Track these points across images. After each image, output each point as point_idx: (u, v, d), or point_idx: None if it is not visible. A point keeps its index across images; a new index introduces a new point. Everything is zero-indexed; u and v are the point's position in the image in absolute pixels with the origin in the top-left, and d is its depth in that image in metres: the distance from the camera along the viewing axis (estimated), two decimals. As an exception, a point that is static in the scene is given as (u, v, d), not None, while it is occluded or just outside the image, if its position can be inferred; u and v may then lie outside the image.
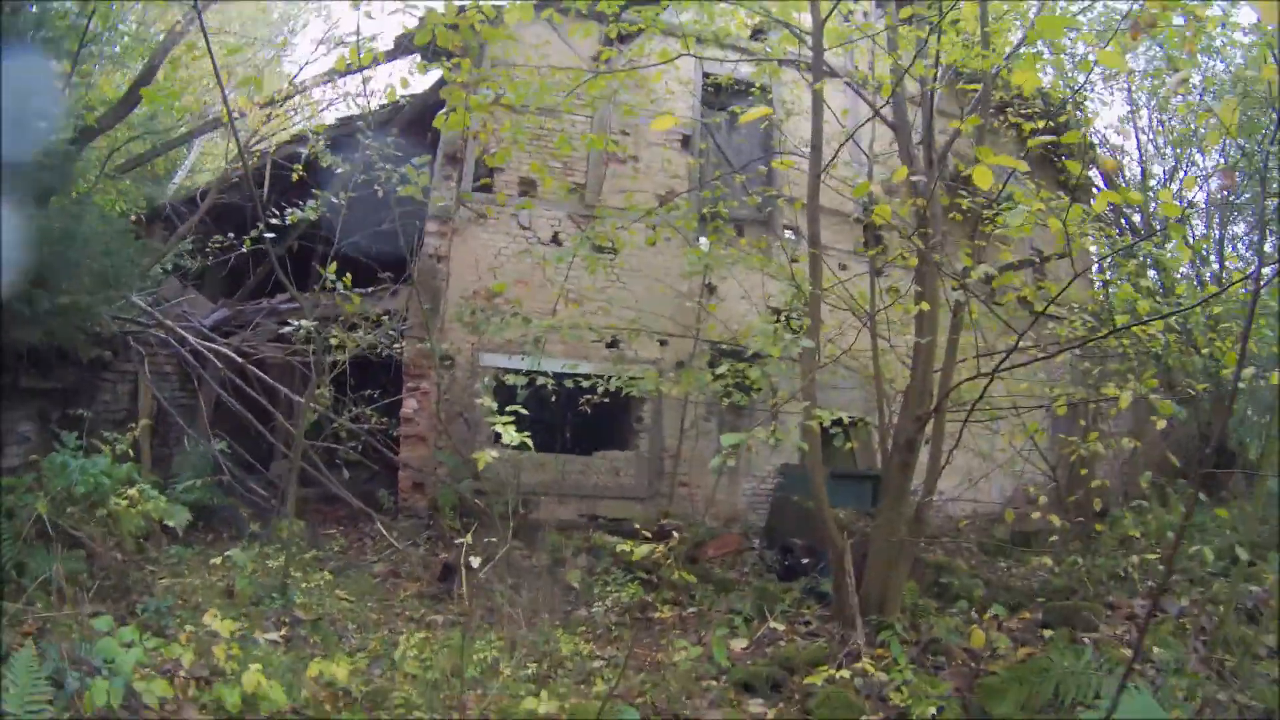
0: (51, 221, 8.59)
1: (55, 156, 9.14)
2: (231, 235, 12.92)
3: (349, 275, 9.67)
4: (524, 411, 7.30)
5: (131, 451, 10.03)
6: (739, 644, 9.22)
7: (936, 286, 9.37)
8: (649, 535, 13.04)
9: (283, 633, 8.59)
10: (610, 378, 11.63)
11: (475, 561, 7.56)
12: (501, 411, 6.93)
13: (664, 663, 8.63)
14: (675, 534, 13.31)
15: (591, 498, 14.37)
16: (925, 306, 9.12)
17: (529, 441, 6.78)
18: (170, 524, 10.05)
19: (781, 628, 9.48)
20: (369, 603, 10.19)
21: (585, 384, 11.95)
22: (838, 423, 14.85)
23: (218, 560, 9.69)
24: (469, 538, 7.16)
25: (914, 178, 9.12)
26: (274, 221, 9.76)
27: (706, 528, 13.92)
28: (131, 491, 8.86)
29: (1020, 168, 5.70)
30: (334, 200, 9.97)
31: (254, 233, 9.76)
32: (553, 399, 11.82)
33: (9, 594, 7.41)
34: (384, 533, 12.18)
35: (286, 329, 9.80)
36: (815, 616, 9.96)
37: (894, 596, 9.21)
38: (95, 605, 7.85)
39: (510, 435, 6.68)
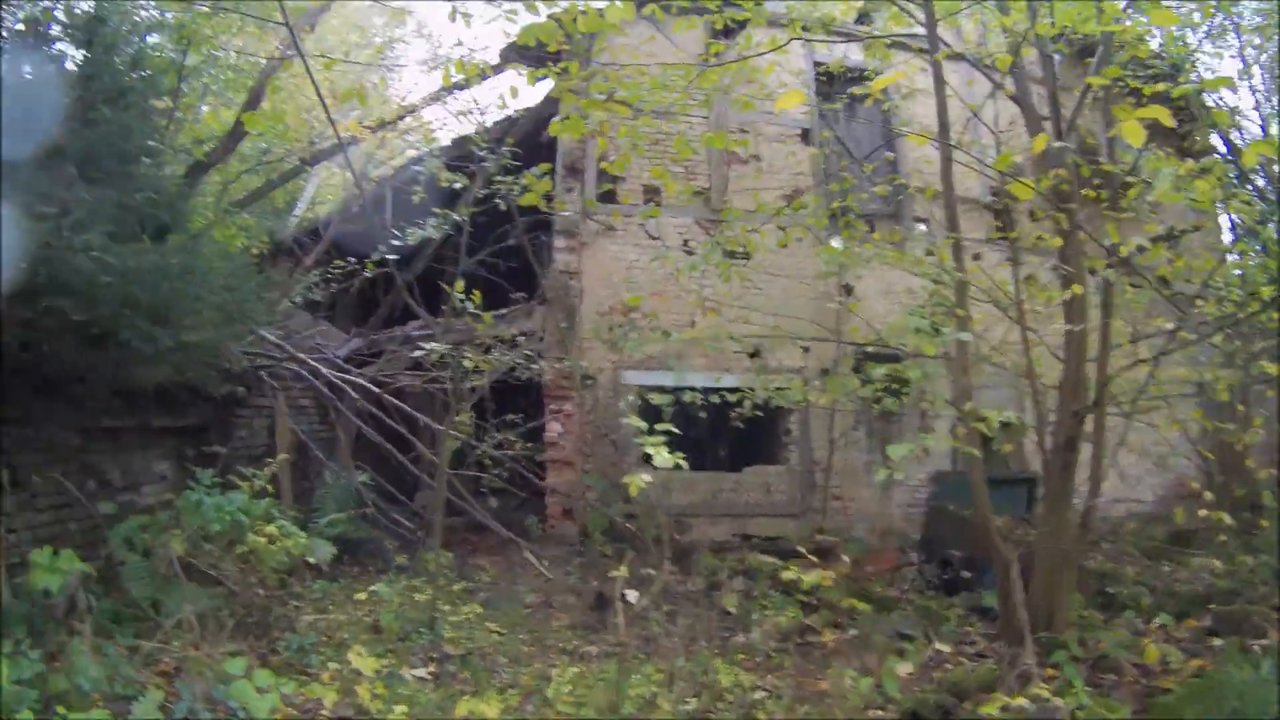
0: (169, 259, 8.31)
1: (167, 194, 8.93)
2: (355, 262, 12.68)
3: (478, 294, 9.20)
4: (675, 431, 6.87)
5: (271, 487, 9.77)
6: (904, 668, 8.44)
7: (1083, 267, 8.43)
8: (806, 554, 12.47)
9: (431, 669, 8.14)
10: (756, 390, 10.87)
11: (633, 596, 7.05)
12: (650, 431, 6.56)
13: (829, 692, 7.88)
14: (838, 554, 12.74)
15: (743, 516, 13.70)
16: (1077, 290, 8.17)
17: (683, 462, 6.43)
18: (313, 560, 9.77)
19: (947, 649, 8.69)
20: (520, 635, 9.68)
21: (731, 397, 11.25)
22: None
23: (363, 595, 9.34)
24: (624, 569, 6.60)
25: (1055, 144, 8.16)
26: (396, 243, 9.36)
27: (861, 543, 13.24)
28: (270, 528, 8.55)
29: (1164, 119, 4.88)
30: (456, 218, 9.52)
31: (376, 256, 9.38)
32: (701, 415, 11.16)
33: (144, 632, 7.14)
34: (534, 561, 11.69)
35: (419, 353, 9.37)
36: (980, 635, 9.18)
37: (1061, 610, 8.33)
38: (235, 643, 7.52)
39: (662, 457, 6.35)
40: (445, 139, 14.84)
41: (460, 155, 12.58)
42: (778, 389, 11.11)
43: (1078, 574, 8.80)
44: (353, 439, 12.51)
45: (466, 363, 9.92)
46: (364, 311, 16.53)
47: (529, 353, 11.67)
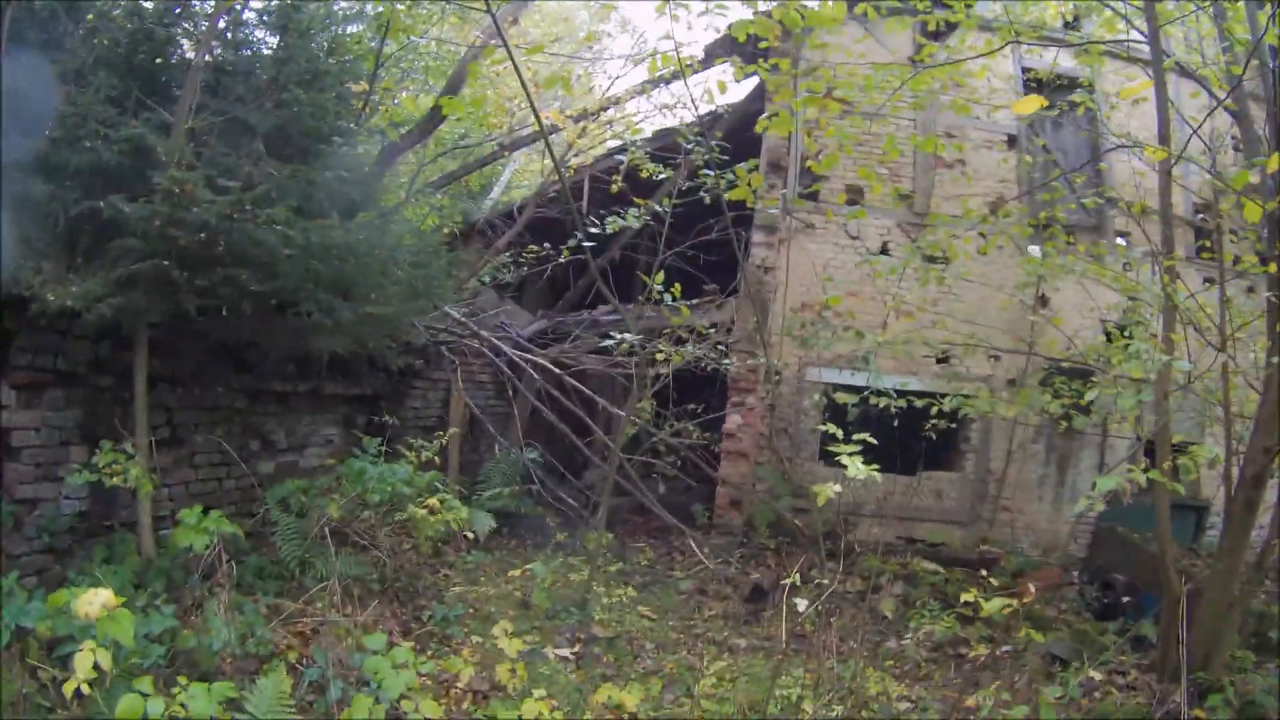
0: (355, 235, 8.59)
1: (358, 172, 9.24)
2: (548, 246, 12.84)
3: (677, 286, 9.15)
4: (871, 440, 6.93)
5: (438, 459, 10.02)
6: (1053, 692, 7.95)
7: None
8: (973, 564, 11.98)
9: (575, 649, 8.18)
10: (945, 396, 10.44)
11: (801, 604, 6.90)
12: (846, 439, 6.59)
13: (974, 710, 7.50)
14: (1000, 565, 12.18)
15: (911, 520, 13.29)
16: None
17: (876, 474, 6.38)
18: (471, 533, 9.99)
19: (1099, 677, 8.08)
20: (670, 621, 9.64)
21: (918, 403, 10.87)
22: (1175, 449, 13.15)
23: (517, 571, 9.47)
24: (794, 575, 6.48)
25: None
26: (594, 230, 9.41)
27: (1025, 557, 12.74)
28: (432, 500, 8.76)
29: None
30: (658, 208, 9.49)
31: (572, 242, 9.45)
32: (894, 421, 10.81)
33: (289, 592, 7.39)
34: (694, 548, 11.62)
35: (608, 342, 9.40)
36: (1134, 666, 8.52)
37: (1221, 653, 7.67)
38: (380, 609, 7.73)
39: (856, 467, 6.33)
40: (647, 132, 14.92)
41: (663, 147, 12.61)
42: (965, 397, 10.61)
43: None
44: (527, 417, 12.72)
45: (658, 354, 9.89)
46: (553, 295, 16.79)
47: (720, 346, 11.59)
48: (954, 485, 13.42)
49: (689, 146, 9.19)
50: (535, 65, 13.25)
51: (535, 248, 12.92)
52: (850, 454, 6.32)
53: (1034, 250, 12.73)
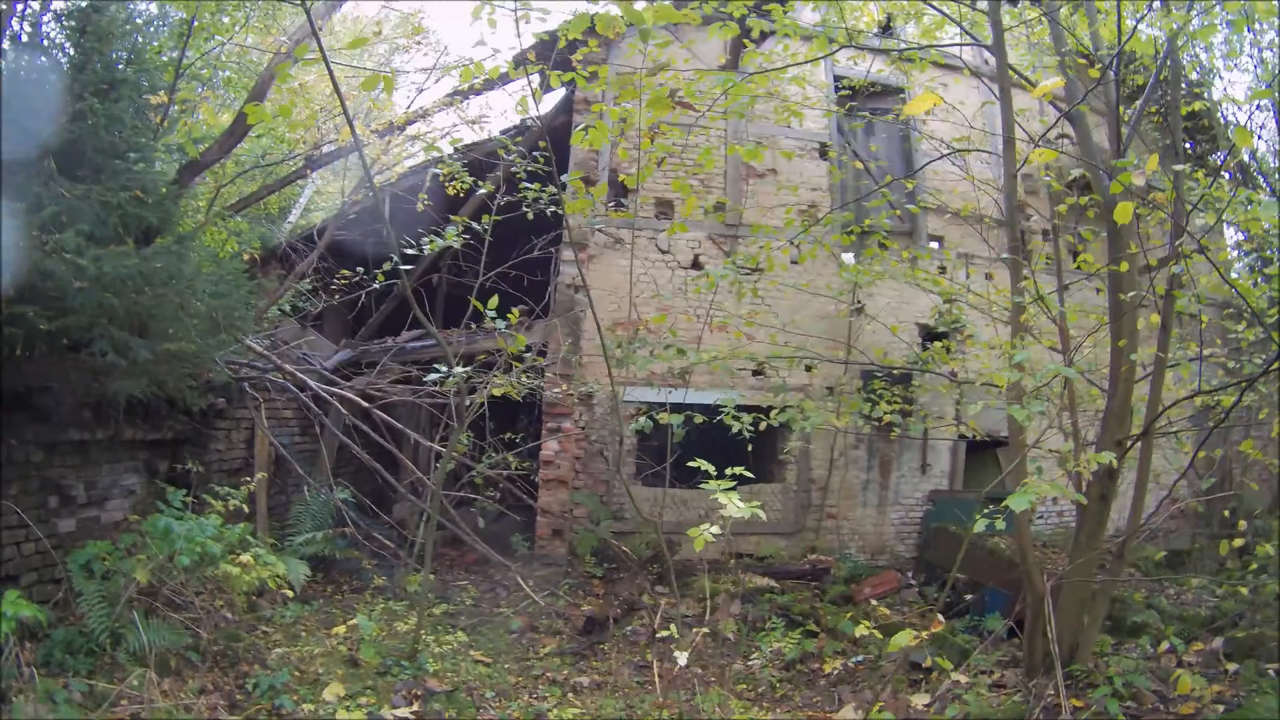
0: (152, 263, 7.67)
1: (156, 193, 8.28)
2: (360, 270, 11.96)
3: (514, 312, 8.54)
4: (749, 475, 7.01)
5: (246, 507, 9.14)
6: (919, 699, 7.90)
7: (1135, 287, 8.03)
8: (804, 574, 11.92)
9: (414, 708, 7.55)
10: (770, 410, 10.28)
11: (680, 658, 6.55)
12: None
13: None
14: (833, 574, 12.22)
15: (737, 535, 13.11)
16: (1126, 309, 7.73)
17: (760, 512, 6.21)
18: (286, 582, 9.19)
19: (964, 679, 8.04)
20: (506, 664, 9.10)
21: (745, 419, 10.68)
22: (992, 444, 13.65)
23: (340, 629, 8.73)
24: (661, 603, 6.11)
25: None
26: (410, 252, 8.73)
27: (856, 562, 12.90)
28: (245, 557, 7.94)
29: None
30: (477, 226, 8.89)
31: (388, 265, 8.72)
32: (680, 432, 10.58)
33: (102, 669, 6.50)
34: (520, 583, 11.10)
35: (433, 375, 8.68)
36: (994, 664, 8.59)
37: (1087, 642, 7.90)
38: (202, 680, 6.89)
39: (735, 507, 6.18)
40: (449, 148, 14.29)
41: (470, 163, 12.03)
42: (786, 408, 10.47)
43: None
44: (335, 453, 11.86)
45: (495, 388, 9.36)
46: (355, 323, 15.86)
47: (534, 369, 11.12)
48: (777, 496, 13.43)
49: (510, 157, 8.64)
50: (344, 72, 12.46)
51: (347, 272, 12.01)
52: (727, 492, 6.00)
53: (848, 258, 12.95)
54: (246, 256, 12.05)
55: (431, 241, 8.54)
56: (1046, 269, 12.17)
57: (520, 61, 10.93)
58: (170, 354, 8.08)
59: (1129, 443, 7.76)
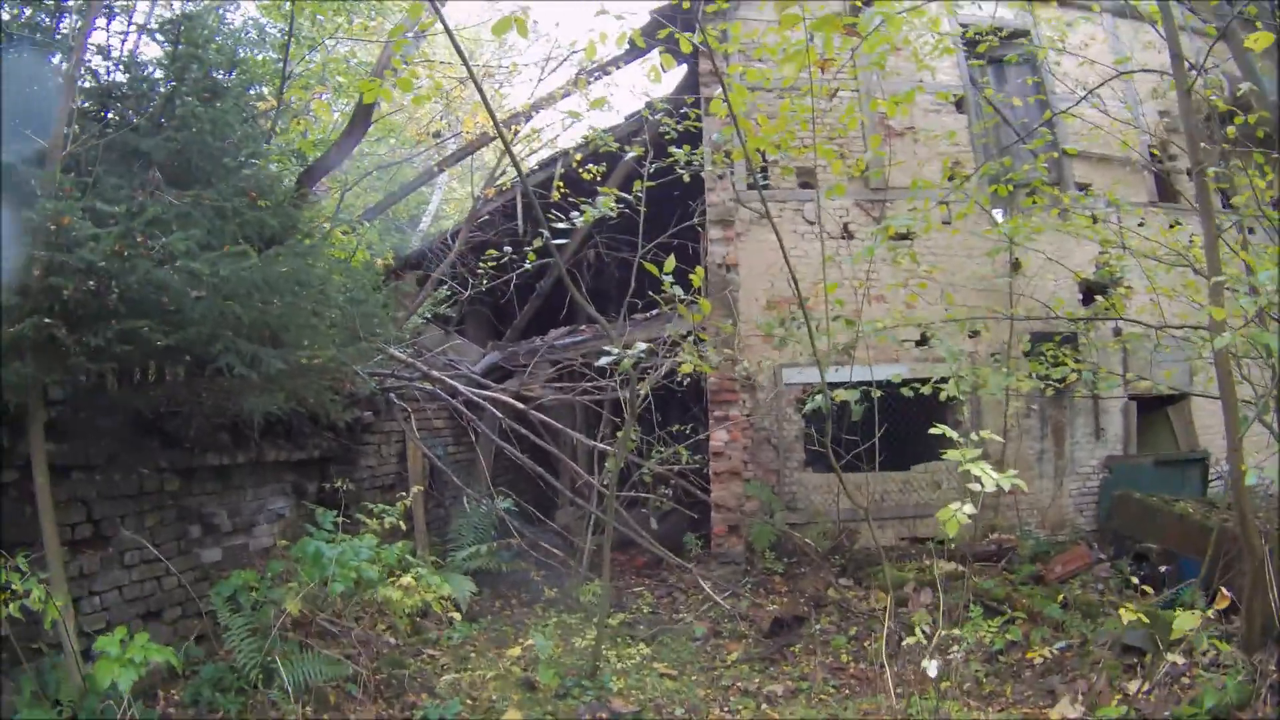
0: (276, 269, 6.99)
1: (274, 198, 7.64)
2: (508, 250, 11.15)
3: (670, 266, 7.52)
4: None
5: (403, 524, 8.44)
6: (1133, 685, 6.77)
7: None
8: (989, 555, 10.72)
9: (601, 734, 6.68)
10: (946, 379, 9.20)
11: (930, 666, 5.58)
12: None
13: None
14: (1018, 553, 10.96)
15: (912, 518, 12.19)
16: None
17: (1020, 482, 5.54)
18: (452, 603, 8.46)
19: (1181, 661, 6.79)
20: (693, 675, 8.17)
21: (923, 389, 9.58)
22: (1160, 401, 12.62)
23: (514, 650, 7.92)
24: (888, 618, 5.19)
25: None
26: (561, 226, 7.89)
27: (1039, 540, 11.64)
28: (406, 578, 7.21)
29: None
30: (627, 197, 8.01)
31: (538, 242, 7.86)
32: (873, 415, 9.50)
33: (254, 706, 5.80)
34: (701, 584, 10.17)
35: (604, 360, 7.81)
36: (1208, 640, 7.30)
37: None
38: (364, 714, 6.14)
39: (989, 478, 5.49)
40: (577, 137, 13.54)
41: (598, 151, 11.27)
42: (961, 377, 9.34)
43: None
44: (491, 460, 11.11)
45: (681, 362, 8.43)
46: (498, 326, 15.22)
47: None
48: (952, 473, 12.18)
49: (656, 116, 7.68)
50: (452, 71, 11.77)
51: (494, 251, 11.21)
52: (979, 464, 5.03)
53: (998, 215, 11.77)
54: (379, 261, 11.41)
55: (585, 213, 7.67)
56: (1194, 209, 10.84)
57: (649, 34, 10.08)
58: (305, 365, 7.41)
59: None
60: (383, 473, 10.01)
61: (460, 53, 5.88)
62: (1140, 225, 12.12)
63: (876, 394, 9.47)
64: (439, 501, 11.01)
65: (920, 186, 9.59)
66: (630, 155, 8.11)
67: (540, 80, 31.78)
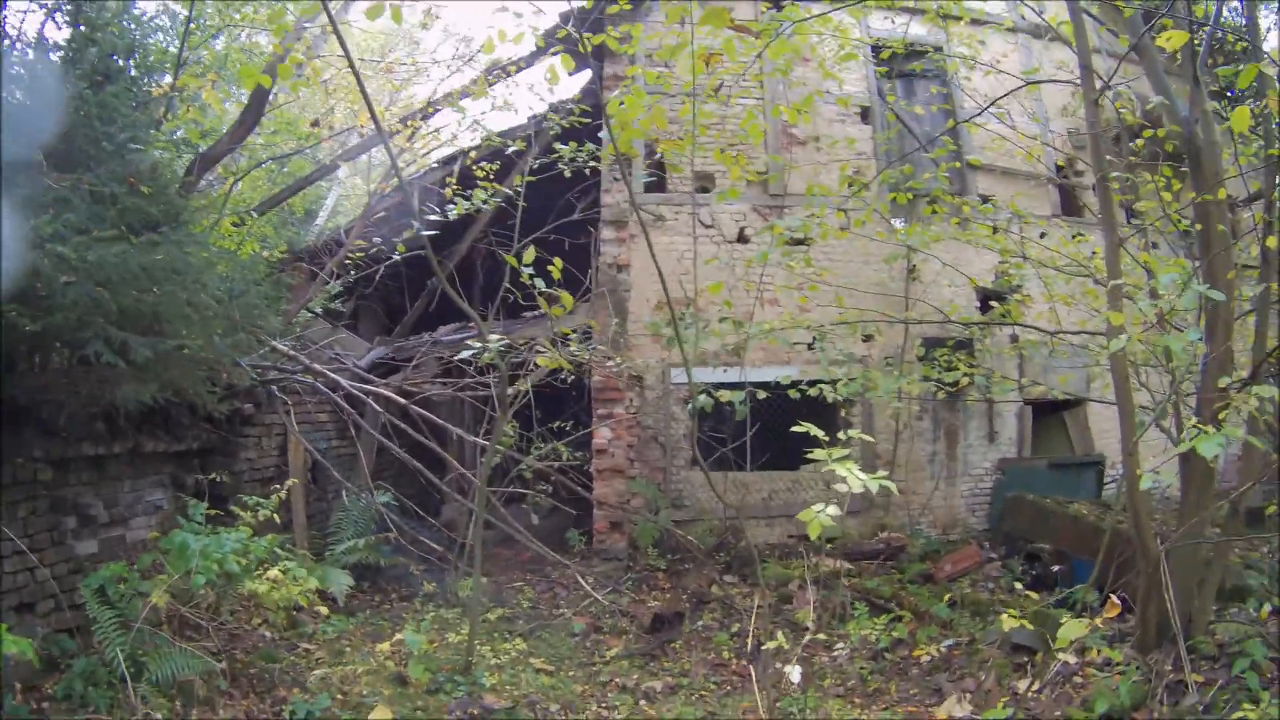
0: (152, 256, 6.78)
1: (156, 185, 7.40)
2: (377, 241, 10.92)
3: (557, 265, 7.48)
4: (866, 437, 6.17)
5: (279, 516, 8.26)
6: (1023, 684, 6.91)
7: (1226, 236, 6.98)
8: (878, 554, 10.88)
9: (471, 731, 6.63)
10: (834, 383, 9.37)
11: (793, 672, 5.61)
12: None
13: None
14: (908, 552, 11.18)
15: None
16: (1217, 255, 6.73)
17: (890, 484, 5.19)
18: (328, 593, 8.32)
19: (1072, 660, 6.97)
20: (570, 671, 8.17)
21: (811, 392, 9.70)
22: (1056, 405, 12.72)
23: (386, 645, 7.80)
24: (754, 619, 5.24)
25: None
26: (434, 217, 7.79)
27: (929, 539, 11.87)
28: (273, 571, 7.06)
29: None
30: (508, 192, 7.94)
31: (408, 234, 7.73)
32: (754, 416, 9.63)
33: (122, 701, 5.61)
34: (580, 581, 10.16)
35: (466, 352, 7.74)
36: (1098, 640, 7.54)
37: (1202, 611, 6.82)
38: (232, 709, 6.01)
39: (855, 479, 5.14)
40: (474, 140, 13.41)
41: (495, 152, 11.17)
42: (850, 380, 9.55)
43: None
44: (374, 455, 10.93)
45: (540, 360, 8.32)
46: (390, 322, 14.99)
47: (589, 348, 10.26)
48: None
49: (540, 115, 7.66)
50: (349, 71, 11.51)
51: (362, 243, 11.05)
52: (846, 465, 5.08)
53: (897, 223, 11.99)
54: (268, 256, 11.15)
55: (458, 205, 7.61)
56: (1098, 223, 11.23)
57: (549, 38, 10.03)
58: (179, 354, 7.21)
59: (1234, 390, 6.67)
60: (263, 466, 9.78)
61: (340, 38, 5.77)
62: (1042, 236, 12.45)
63: (761, 395, 9.61)
64: (320, 496, 10.81)
65: (818, 192, 9.75)
66: (511, 149, 8.05)
67: (444, 80, 31.44)
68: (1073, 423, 13.41)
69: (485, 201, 7.56)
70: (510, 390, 8.37)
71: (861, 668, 7.86)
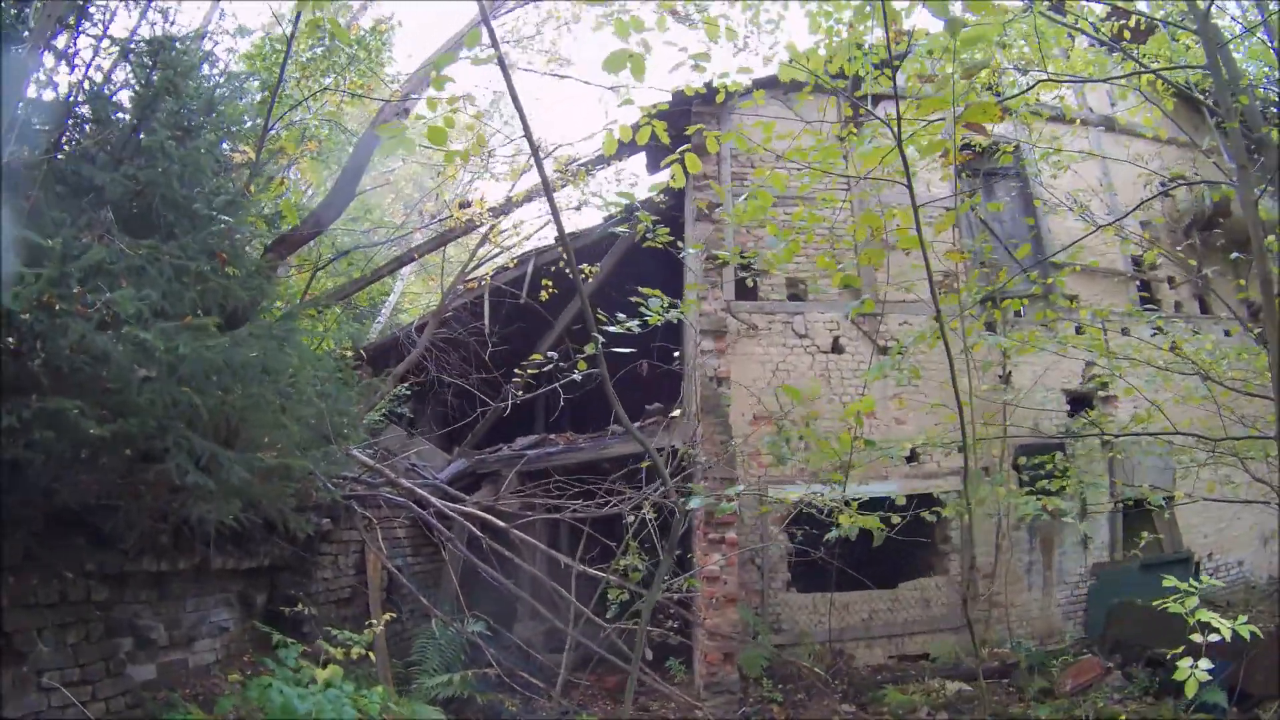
0: (245, 351, 5.22)
1: (246, 265, 5.89)
2: (553, 356, 9.38)
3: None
4: None
5: (372, 655, 6.54)
6: None
7: None
8: (990, 672, 9.36)
9: None
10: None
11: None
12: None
13: None
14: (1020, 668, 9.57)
15: (900, 636, 10.88)
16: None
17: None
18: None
19: None
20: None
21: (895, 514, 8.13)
22: (1139, 502, 11.35)
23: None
24: None
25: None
26: (610, 329, 6.20)
27: (1028, 649, 10.40)
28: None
29: None
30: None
31: (590, 348, 6.12)
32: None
33: None
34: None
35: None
36: None
37: None
38: None
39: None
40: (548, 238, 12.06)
41: (578, 250, 9.82)
42: (947, 507, 8.32)
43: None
44: (458, 576, 9.17)
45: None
46: (448, 426, 13.25)
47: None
48: (941, 589, 11.15)
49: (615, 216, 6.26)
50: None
51: (539, 357, 9.50)
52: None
53: (985, 332, 10.72)
54: (338, 352, 9.55)
55: (622, 322, 6.03)
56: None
57: (625, 145, 8.58)
58: (270, 471, 5.60)
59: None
60: (338, 586, 8.09)
61: (506, 74, 4.29)
62: (1124, 333, 11.62)
63: (857, 510, 8.06)
64: (397, 617, 9.04)
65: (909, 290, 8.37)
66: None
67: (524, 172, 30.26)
68: (1160, 519, 12.09)
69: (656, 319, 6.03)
70: (629, 515, 6.82)
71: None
